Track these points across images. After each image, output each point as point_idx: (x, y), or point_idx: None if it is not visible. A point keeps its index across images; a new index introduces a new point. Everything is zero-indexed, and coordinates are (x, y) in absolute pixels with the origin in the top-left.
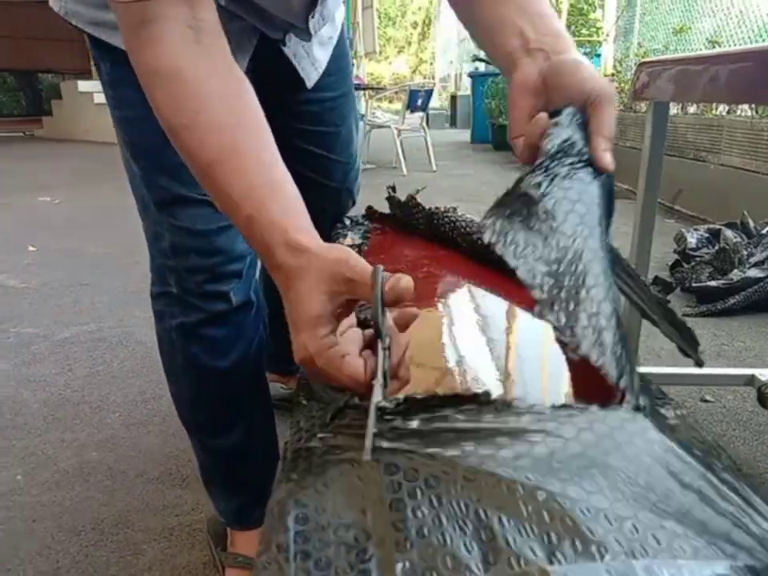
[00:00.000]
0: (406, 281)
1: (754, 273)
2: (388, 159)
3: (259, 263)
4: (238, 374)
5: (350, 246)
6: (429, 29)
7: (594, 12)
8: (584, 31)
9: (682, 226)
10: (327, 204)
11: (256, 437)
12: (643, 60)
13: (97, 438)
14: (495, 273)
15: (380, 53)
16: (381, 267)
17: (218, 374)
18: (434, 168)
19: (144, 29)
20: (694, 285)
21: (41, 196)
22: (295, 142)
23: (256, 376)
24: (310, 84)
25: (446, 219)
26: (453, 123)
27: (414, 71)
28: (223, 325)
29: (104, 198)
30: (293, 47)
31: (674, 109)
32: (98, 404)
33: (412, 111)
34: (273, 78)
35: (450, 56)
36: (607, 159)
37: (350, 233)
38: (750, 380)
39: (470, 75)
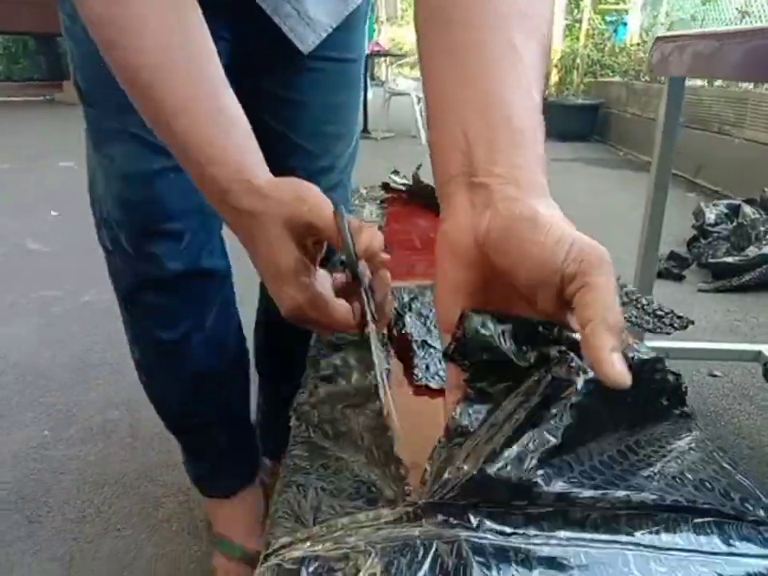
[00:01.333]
0: (375, 238)
1: None
2: (407, 128)
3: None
4: (192, 348)
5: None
6: None
7: None
8: None
9: (703, 201)
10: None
11: (213, 415)
12: (659, 35)
13: (118, 398)
14: None
15: (402, 17)
16: (342, 209)
17: (166, 346)
18: None
19: None
20: (710, 260)
21: (62, 161)
22: (260, 116)
23: (220, 352)
24: (304, 48)
25: None
26: None
27: None
28: (162, 292)
29: None
30: (271, 3)
31: (699, 81)
32: (119, 365)
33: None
34: (259, 42)
35: None
36: (617, 368)
37: (367, 204)
38: (757, 356)
39: None
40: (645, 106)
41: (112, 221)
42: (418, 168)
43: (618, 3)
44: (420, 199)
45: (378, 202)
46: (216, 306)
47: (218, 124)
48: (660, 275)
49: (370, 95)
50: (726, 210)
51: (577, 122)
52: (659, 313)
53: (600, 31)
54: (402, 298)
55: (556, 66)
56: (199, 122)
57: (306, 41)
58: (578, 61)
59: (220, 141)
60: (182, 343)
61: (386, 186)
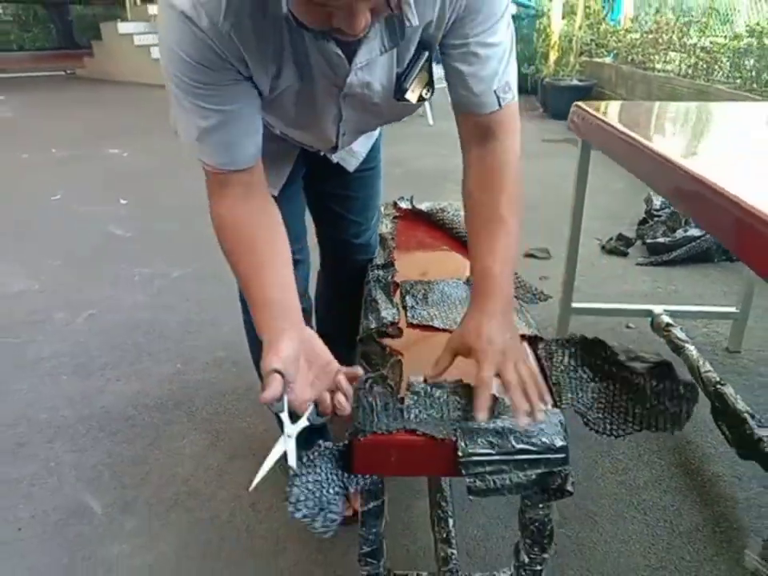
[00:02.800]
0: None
1: (694, 232)
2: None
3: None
4: None
5: (384, 233)
6: None
7: None
8: None
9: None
10: (341, 252)
11: None
12: (576, 103)
13: (219, 343)
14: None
15: None
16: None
17: None
18: None
19: (220, 188)
20: (647, 241)
21: (110, 148)
22: (326, 203)
23: None
24: (350, 169)
25: (438, 217)
26: None
27: None
28: None
29: (162, 149)
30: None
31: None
32: (214, 322)
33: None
34: (324, 163)
35: None
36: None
37: (384, 219)
38: (649, 313)
39: None
40: (631, 89)
41: None
42: (411, 198)
43: None
44: (417, 217)
45: (392, 217)
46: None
47: (268, 310)
48: (610, 252)
49: None
50: None
51: (571, 101)
52: (533, 291)
53: (595, 11)
54: (413, 289)
55: (553, 47)
56: (258, 306)
57: (351, 166)
58: (574, 43)
59: (265, 320)
60: None
61: (395, 205)
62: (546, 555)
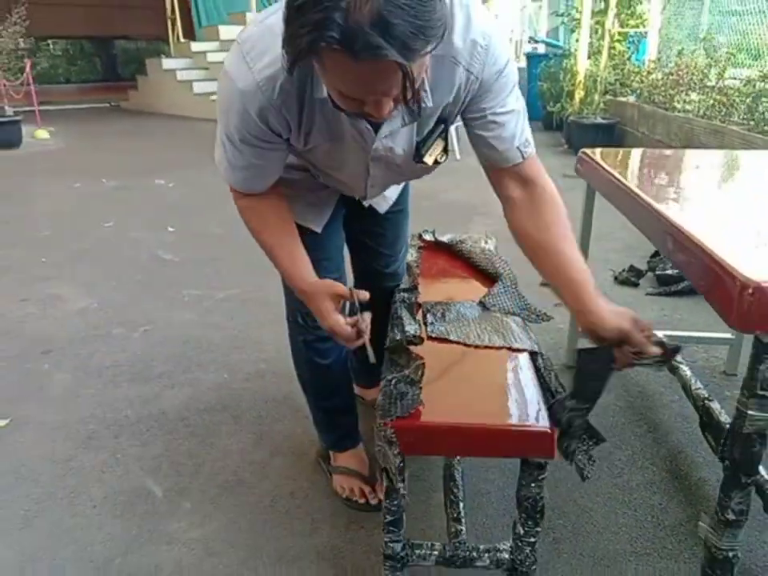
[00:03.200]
0: (363, 295)
1: None
2: None
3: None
4: (334, 367)
5: (410, 261)
6: None
7: (640, 4)
8: (631, 22)
9: None
10: (372, 280)
11: (344, 401)
12: (583, 150)
13: (261, 357)
14: (475, 272)
15: None
16: (353, 288)
17: (323, 367)
18: None
19: (246, 199)
20: (657, 272)
21: (156, 178)
22: (361, 238)
23: (343, 370)
24: (382, 211)
25: (458, 248)
26: None
27: None
28: (325, 342)
29: (206, 181)
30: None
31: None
32: (257, 339)
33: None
34: (359, 205)
35: (511, 24)
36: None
37: (411, 249)
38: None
39: (526, 55)
40: (652, 128)
41: (304, 314)
42: (434, 231)
43: (637, 26)
44: (438, 248)
45: (417, 248)
46: (345, 348)
47: (294, 265)
48: (622, 282)
49: None
50: None
51: (594, 138)
52: (536, 312)
53: (620, 52)
54: (432, 309)
55: (578, 86)
56: (285, 263)
57: (383, 209)
58: (598, 83)
59: (295, 271)
60: (331, 365)
61: (420, 236)
62: (538, 528)
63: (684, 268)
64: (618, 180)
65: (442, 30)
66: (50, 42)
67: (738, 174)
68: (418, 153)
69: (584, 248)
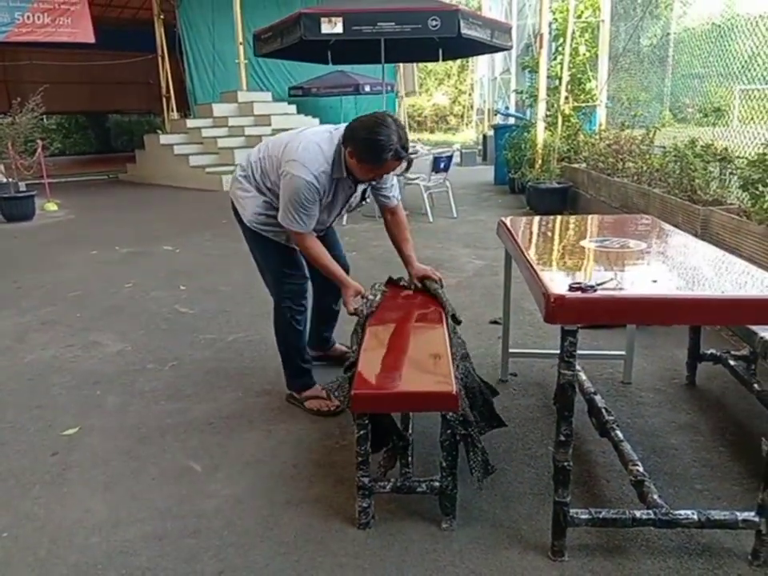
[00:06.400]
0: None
1: None
2: (419, 206)
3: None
4: (304, 332)
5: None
6: (468, 61)
7: (589, 82)
8: (582, 97)
9: None
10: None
11: (308, 355)
12: (502, 218)
13: (267, 379)
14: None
15: (419, 91)
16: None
17: (299, 331)
18: (455, 215)
19: (309, 237)
20: None
21: (163, 245)
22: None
23: (306, 335)
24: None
25: (402, 283)
26: (484, 158)
27: (453, 102)
28: (302, 314)
29: (209, 246)
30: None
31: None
32: (262, 367)
33: (436, 172)
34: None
35: (483, 92)
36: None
37: (377, 291)
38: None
39: (493, 127)
40: (598, 191)
41: (292, 295)
42: (399, 279)
43: (587, 102)
44: (400, 288)
45: (383, 288)
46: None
47: (337, 269)
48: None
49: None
50: None
51: (551, 200)
52: (457, 319)
53: (573, 124)
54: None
55: (538, 154)
56: (333, 267)
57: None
58: (554, 152)
59: (338, 270)
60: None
61: (389, 280)
62: (455, 462)
63: (530, 285)
64: (514, 240)
65: None
66: (44, 116)
67: (570, 232)
68: (363, 197)
69: (506, 295)
